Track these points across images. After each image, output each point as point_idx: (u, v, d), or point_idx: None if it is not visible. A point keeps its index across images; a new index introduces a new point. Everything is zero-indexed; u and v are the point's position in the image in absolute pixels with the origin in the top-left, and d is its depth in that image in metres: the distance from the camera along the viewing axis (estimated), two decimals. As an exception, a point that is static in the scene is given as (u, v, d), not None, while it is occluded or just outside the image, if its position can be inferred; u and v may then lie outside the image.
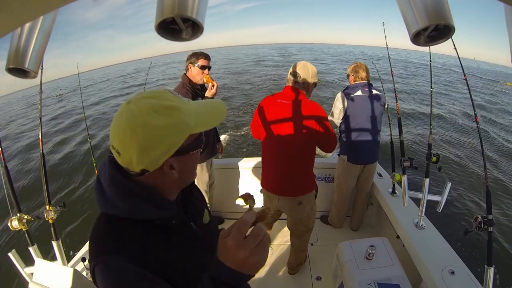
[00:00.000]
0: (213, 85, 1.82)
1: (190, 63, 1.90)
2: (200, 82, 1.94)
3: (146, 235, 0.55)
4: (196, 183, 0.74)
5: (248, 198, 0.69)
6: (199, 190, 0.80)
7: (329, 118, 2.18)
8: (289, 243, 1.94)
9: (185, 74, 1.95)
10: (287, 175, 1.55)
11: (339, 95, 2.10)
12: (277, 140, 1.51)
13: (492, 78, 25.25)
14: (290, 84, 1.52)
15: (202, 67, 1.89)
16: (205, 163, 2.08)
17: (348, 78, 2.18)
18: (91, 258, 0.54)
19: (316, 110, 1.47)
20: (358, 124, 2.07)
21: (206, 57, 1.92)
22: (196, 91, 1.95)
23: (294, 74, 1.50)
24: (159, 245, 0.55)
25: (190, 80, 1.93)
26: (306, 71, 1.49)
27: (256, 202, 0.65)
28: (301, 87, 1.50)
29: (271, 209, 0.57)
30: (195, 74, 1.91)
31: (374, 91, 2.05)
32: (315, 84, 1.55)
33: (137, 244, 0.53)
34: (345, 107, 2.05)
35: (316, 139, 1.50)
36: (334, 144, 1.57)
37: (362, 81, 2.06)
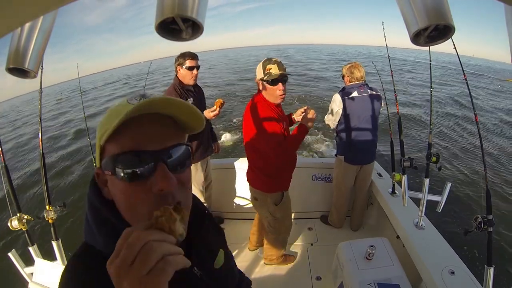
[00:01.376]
0: (215, 110, 1.79)
1: (179, 64, 1.88)
2: (191, 83, 1.93)
3: None
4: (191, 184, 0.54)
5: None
6: (216, 224, 0.65)
7: (326, 118, 2.20)
8: (288, 243, 2.00)
9: (176, 75, 1.94)
10: (249, 166, 1.71)
11: (335, 97, 2.08)
12: (244, 135, 1.62)
13: (492, 75, 25.22)
14: None
15: (190, 68, 1.87)
16: (199, 162, 2.07)
17: (343, 78, 2.16)
18: None
19: (252, 109, 1.48)
20: (355, 125, 2.07)
21: (193, 57, 1.87)
22: (187, 92, 1.94)
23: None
24: None
25: (180, 82, 1.92)
26: (258, 67, 1.46)
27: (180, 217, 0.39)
28: (260, 86, 1.48)
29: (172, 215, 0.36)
30: (184, 75, 1.89)
31: (371, 91, 2.04)
32: (267, 80, 1.40)
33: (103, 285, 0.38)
34: (342, 108, 2.04)
35: (256, 145, 1.53)
36: (274, 152, 1.46)
37: (358, 82, 2.05)
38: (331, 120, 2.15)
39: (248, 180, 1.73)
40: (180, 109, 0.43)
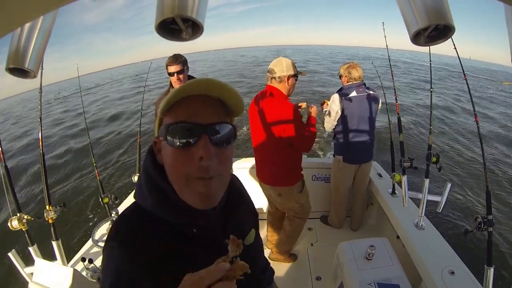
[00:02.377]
0: None
1: (166, 69, 1.82)
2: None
3: (160, 234, 0.50)
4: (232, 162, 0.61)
5: (234, 242, 0.47)
6: (252, 207, 0.72)
7: (326, 118, 2.19)
8: None
9: (170, 82, 1.90)
10: (267, 167, 1.73)
11: (334, 97, 2.08)
12: (254, 136, 1.67)
13: (489, 77, 25.21)
14: (268, 82, 1.60)
15: (170, 74, 1.80)
16: None
17: (340, 78, 2.16)
18: None
19: (281, 112, 1.52)
20: (354, 125, 2.07)
21: (173, 62, 1.77)
22: None
23: (270, 70, 1.56)
24: (171, 250, 0.50)
25: (172, 86, 1.88)
26: (280, 65, 1.53)
27: (241, 249, 0.46)
28: (278, 82, 1.55)
29: (244, 267, 0.39)
30: (172, 82, 1.85)
31: (369, 91, 2.05)
32: (294, 76, 1.56)
33: (143, 239, 0.49)
34: (341, 108, 2.04)
35: (284, 139, 1.56)
36: (305, 144, 1.60)
37: (356, 82, 2.05)
38: (330, 122, 2.14)
39: (267, 182, 1.75)
40: (220, 90, 0.49)
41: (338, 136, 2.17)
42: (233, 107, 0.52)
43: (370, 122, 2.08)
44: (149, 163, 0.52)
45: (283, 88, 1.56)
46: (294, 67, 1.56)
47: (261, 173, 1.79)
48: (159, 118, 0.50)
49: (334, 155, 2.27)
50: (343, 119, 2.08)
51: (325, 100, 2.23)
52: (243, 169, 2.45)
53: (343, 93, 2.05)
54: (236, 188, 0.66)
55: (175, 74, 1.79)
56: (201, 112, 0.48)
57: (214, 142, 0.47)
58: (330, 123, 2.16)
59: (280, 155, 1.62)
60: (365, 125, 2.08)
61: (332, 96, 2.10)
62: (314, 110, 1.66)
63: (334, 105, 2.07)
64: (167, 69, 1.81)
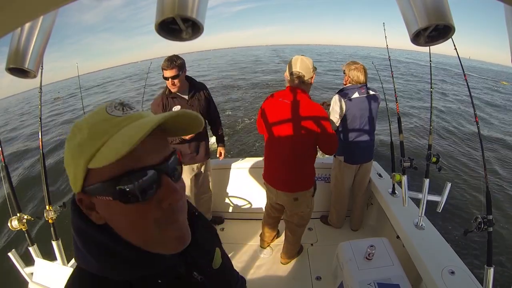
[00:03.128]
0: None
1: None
2: (174, 91, 1.83)
3: None
4: None
5: None
6: (208, 224, 0.62)
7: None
8: None
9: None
10: (285, 172, 1.64)
11: (336, 98, 2.05)
12: (278, 138, 1.57)
13: (489, 77, 25.22)
14: (292, 84, 1.53)
15: (165, 79, 1.76)
16: (186, 167, 2.00)
17: (344, 73, 2.12)
18: None
19: (315, 111, 1.49)
20: (356, 126, 2.07)
21: (167, 66, 1.71)
22: (173, 100, 1.85)
23: (297, 74, 1.49)
24: None
25: (168, 88, 1.84)
26: (307, 68, 1.49)
27: None
28: (306, 84, 1.52)
29: None
30: (168, 86, 1.81)
31: (371, 92, 2.04)
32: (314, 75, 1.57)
33: None
34: (344, 109, 2.02)
35: (314, 140, 1.52)
36: (335, 146, 1.57)
37: (359, 84, 2.03)
38: (333, 122, 2.10)
39: (282, 188, 1.68)
40: (185, 122, 0.42)
41: (340, 136, 2.16)
42: (184, 130, 0.45)
43: (371, 122, 2.08)
44: (82, 224, 0.42)
45: (307, 89, 1.54)
46: (312, 66, 1.54)
47: (274, 179, 1.71)
48: (83, 170, 0.38)
49: (334, 156, 2.26)
50: (345, 120, 2.07)
51: (324, 102, 2.22)
52: (243, 169, 2.46)
53: (344, 94, 2.03)
54: (190, 207, 0.55)
55: (170, 79, 1.74)
56: (149, 149, 0.39)
57: (174, 179, 0.41)
58: (333, 124, 2.12)
59: (303, 159, 1.59)
60: (367, 125, 2.08)
61: (334, 97, 2.08)
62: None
63: (336, 106, 2.05)
64: (162, 72, 1.77)
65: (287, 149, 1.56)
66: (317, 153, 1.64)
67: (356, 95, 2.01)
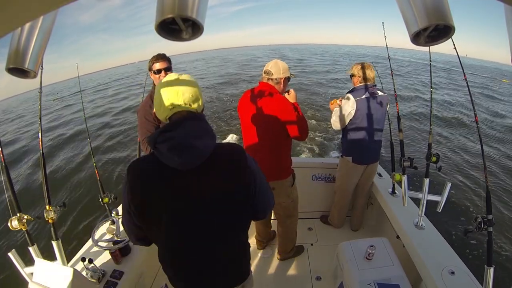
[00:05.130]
0: None
1: (149, 70, 1.63)
2: None
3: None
4: None
5: None
6: None
7: (334, 117, 2.14)
8: None
9: (153, 83, 1.70)
10: (261, 164, 1.65)
11: (347, 97, 2.02)
12: (249, 131, 1.68)
13: (488, 75, 25.20)
14: (264, 81, 1.64)
15: (157, 72, 1.60)
16: None
17: (351, 78, 2.11)
18: None
19: (278, 102, 1.58)
20: (366, 126, 2.04)
21: (158, 58, 1.61)
22: None
23: (267, 72, 1.62)
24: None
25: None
26: (277, 68, 1.61)
27: None
28: (274, 83, 1.62)
29: None
30: (154, 80, 1.66)
31: (379, 92, 2.03)
32: (288, 78, 1.66)
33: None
34: (355, 109, 1.99)
35: (281, 129, 1.59)
36: (304, 132, 1.64)
37: (369, 83, 2.01)
38: (341, 121, 2.08)
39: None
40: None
41: (349, 136, 2.12)
42: None
43: (381, 123, 2.06)
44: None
45: (278, 88, 1.64)
46: (288, 70, 1.66)
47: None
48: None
49: (342, 156, 2.23)
50: (355, 120, 2.03)
51: (335, 100, 2.21)
52: None
53: (357, 94, 2.00)
54: None
55: (163, 71, 1.61)
56: None
57: None
58: (339, 123, 2.10)
59: (276, 149, 1.66)
60: (377, 125, 2.05)
61: (346, 95, 2.05)
62: (292, 96, 1.71)
63: (347, 105, 2.01)
64: (151, 68, 1.61)
65: (258, 140, 1.66)
66: (291, 144, 1.73)
67: (367, 94, 1.98)
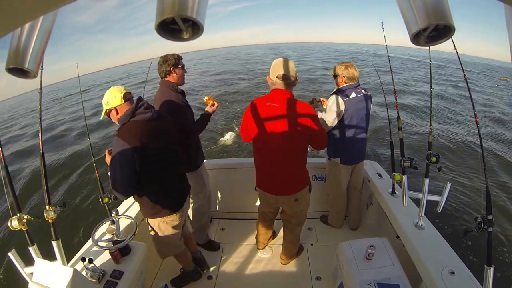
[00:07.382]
0: (213, 104, 1.95)
1: (173, 66, 1.75)
2: (183, 83, 1.84)
3: None
4: None
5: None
6: None
7: (319, 116, 2.07)
8: None
9: (166, 79, 1.79)
10: (281, 175, 1.62)
11: (334, 98, 1.99)
12: (270, 142, 1.53)
13: (486, 73, 25.14)
14: (278, 87, 1.50)
15: (183, 67, 1.80)
16: None
17: (335, 78, 2.06)
18: None
19: (306, 110, 1.49)
20: (353, 126, 2.04)
21: (178, 56, 1.80)
22: (182, 96, 1.84)
23: (284, 77, 1.46)
24: None
25: (176, 86, 1.80)
26: (292, 69, 1.49)
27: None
28: (290, 85, 1.51)
29: None
30: (181, 75, 1.80)
31: (365, 91, 2.03)
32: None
33: None
34: (343, 109, 1.97)
35: (307, 139, 1.54)
36: (325, 141, 1.63)
37: (354, 82, 2.00)
38: (329, 122, 2.04)
39: (281, 192, 1.67)
40: None
41: (336, 137, 2.09)
42: None
43: (366, 122, 2.08)
44: None
45: (292, 89, 1.54)
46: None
47: (273, 186, 1.68)
48: None
49: (329, 158, 2.20)
50: (343, 120, 2.02)
51: (314, 98, 2.17)
52: (245, 168, 2.45)
53: (342, 94, 1.98)
54: None
55: (184, 68, 1.82)
56: None
57: None
58: (328, 124, 2.05)
59: (299, 159, 1.60)
60: (362, 125, 2.07)
61: (331, 97, 2.02)
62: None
63: (334, 106, 1.98)
64: (179, 64, 1.76)
65: (281, 154, 1.54)
66: (316, 148, 1.67)
67: (353, 94, 1.98)
